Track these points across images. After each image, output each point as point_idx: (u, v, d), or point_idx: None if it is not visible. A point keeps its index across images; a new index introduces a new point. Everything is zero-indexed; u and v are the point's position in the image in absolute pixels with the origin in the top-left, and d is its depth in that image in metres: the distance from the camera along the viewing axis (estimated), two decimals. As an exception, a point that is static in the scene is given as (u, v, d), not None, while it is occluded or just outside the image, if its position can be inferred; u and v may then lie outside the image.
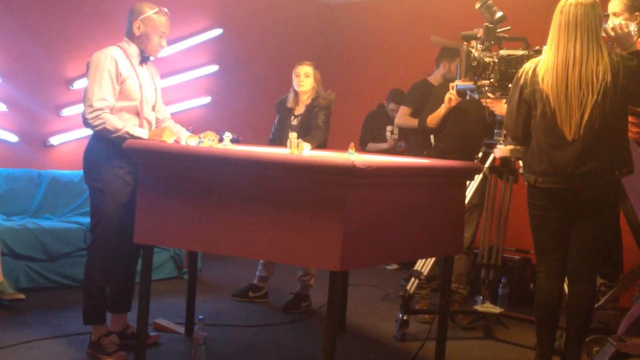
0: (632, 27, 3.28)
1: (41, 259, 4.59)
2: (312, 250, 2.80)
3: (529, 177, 3.20)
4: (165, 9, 3.50)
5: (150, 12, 3.44)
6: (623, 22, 3.23)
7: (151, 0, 3.56)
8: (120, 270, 3.55)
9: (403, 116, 5.06)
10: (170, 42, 5.90)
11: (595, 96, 2.97)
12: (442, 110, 4.34)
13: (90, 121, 3.30)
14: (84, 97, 3.34)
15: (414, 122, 4.88)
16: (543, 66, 3.08)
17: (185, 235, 3.11)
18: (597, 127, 2.99)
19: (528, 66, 3.17)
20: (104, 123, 3.28)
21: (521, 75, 3.17)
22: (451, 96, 4.20)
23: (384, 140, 6.07)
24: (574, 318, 3.17)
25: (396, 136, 6.04)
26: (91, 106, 3.29)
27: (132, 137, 3.29)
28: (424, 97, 4.75)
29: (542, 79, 3.05)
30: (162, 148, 3.20)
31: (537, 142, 3.14)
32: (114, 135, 3.29)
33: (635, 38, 3.59)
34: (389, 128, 6.13)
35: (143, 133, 3.35)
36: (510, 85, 3.60)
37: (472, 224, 4.31)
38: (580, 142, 3.01)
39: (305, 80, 4.48)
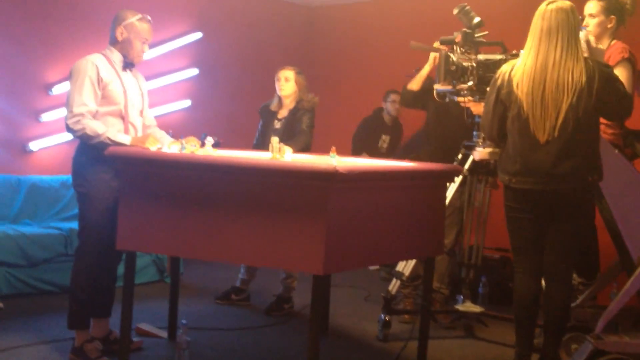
0: (593, 41, 3.38)
1: (21, 265, 4.56)
2: (295, 254, 2.83)
3: (503, 177, 3.25)
4: (149, 17, 3.53)
5: (133, 18, 3.47)
6: (592, 38, 3.31)
7: (131, 4, 3.58)
8: (103, 274, 3.55)
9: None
10: (150, 46, 5.82)
11: (570, 98, 3.02)
12: (425, 70, 4.36)
13: (70, 126, 3.32)
14: (66, 104, 3.37)
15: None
16: (520, 69, 3.12)
17: (168, 241, 3.12)
18: (570, 129, 3.03)
19: (506, 68, 3.21)
20: (84, 128, 3.30)
21: (498, 76, 3.21)
22: (437, 55, 4.20)
23: (377, 149, 5.93)
24: (552, 317, 3.22)
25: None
26: (72, 112, 3.31)
27: (114, 142, 3.30)
28: None
29: (518, 83, 3.09)
30: (143, 155, 3.20)
31: (512, 143, 3.19)
32: (95, 140, 3.30)
33: (608, 41, 3.68)
34: (383, 137, 6.04)
35: (125, 139, 3.35)
36: (488, 89, 3.66)
37: (454, 227, 4.36)
38: (554, 144, 3.05)
39: (285, 84, 4.51)
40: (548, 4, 3.10)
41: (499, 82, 3.19)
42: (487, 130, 3.34)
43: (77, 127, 3.30)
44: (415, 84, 4.46)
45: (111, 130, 3.34)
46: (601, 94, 3.05)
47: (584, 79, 3.03)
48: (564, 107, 3.02)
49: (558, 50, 3.05)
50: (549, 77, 3.04)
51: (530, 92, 3.06)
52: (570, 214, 3.17)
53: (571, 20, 3.07)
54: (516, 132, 3.14)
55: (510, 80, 3.13)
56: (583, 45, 3.20)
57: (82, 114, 3.30)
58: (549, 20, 3.07)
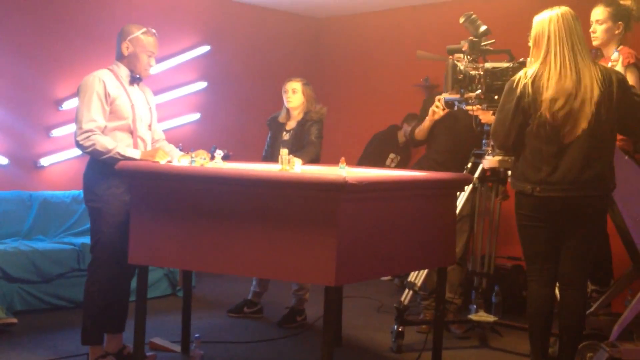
0: (615, 55, 3.44)
1: (35, 280, 4.57)
2: (306, 266, 2.83)
3: (523, 186, 3.17)
4: (153, 30, 3.55)
5: (138, 32, 3.50)
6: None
7: (139, 18, 3.61)
8: (116, 290, 3.57)
9: None
10: (159, 60, 5.91)
11: (599, 93, 3.03)
12: (426, 122, 4.41)
13: (81, 143, 3.34)
14: (75, 120, 3.39)
15: None
16: (546, 74, 3.06)
17: (179, 255, 3.13)
18: (594, 133, 3.04)
19: (524, 75, 3.12)
20: (94, 144, 3.32)
21: (516, 84, 3.13)
22: (435, 109, 4.27)
23: (384, 166, 5.92)
24: (567, 325, 3.20)
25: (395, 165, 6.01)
26: (81, 128, 3.34)
27: (124, 157, 3.32)
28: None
29: (547, 87, 3.04)
30: (154, 169, 3.22)
31: (536, 150, 3.12)
32: (105, 156, 3.32)
33: (615, 46, 3.68)
34: (392, 156, 6.02)
35: (135, 153, 3.38)
36: (496, 97, 3.65)
37: (464, 234, 4.35)
38: (580, 147, 3.04)
39: (292, 96, 4.52)
40: (560, 11, 3.10)
41: (518, 90, 3.11)
42: (501, 139, 3.26)
43: (87, 143, 3.32)
44: (421, 135, 4.49)
45: (121, 145, 3.36)
46: (619, 100, 3.08)
47: (605, 85, 3.06)
48: (590, 111, 3.02)
49: (578, 55, 3.07)
50: (577, 81, 3.03)
51: (567, 90, 3.02)
52: (588, 221, 3.16)
53: (580, 26, 3.11)
54: (542, 140, 3.09)
55: (536, 87, 3.06)
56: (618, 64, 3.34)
57: (91, 130, 3.33)
58: (565, 24, 3.07)
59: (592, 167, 3.07)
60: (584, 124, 3.03)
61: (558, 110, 3.03)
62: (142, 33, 3.51)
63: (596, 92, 3.03)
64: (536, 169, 3.13)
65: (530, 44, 3.18)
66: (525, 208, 3.21)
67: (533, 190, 3.13)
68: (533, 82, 3.09)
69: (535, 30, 3.13)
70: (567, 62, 3.05)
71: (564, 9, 3.11)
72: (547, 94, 3.05)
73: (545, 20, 3.11)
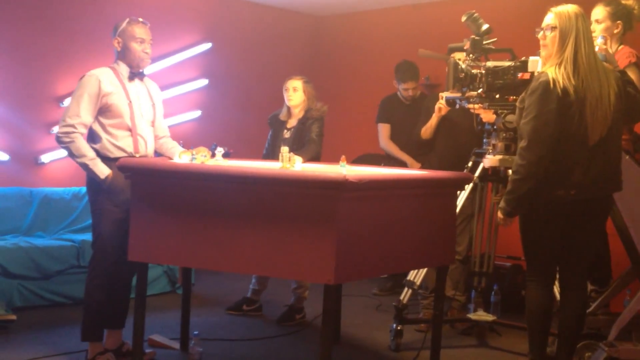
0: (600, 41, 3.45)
1: (34, 277, 4.57)
2: (306, 264, 2.83)
3: (555, 191, 3.05)
4: (141, 19, 3.55)
5: (123, 24, 3.50)
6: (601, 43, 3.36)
7: (140, 16, 3.61)
8: (117, 286, 3.57)
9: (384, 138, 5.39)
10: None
11: (614, 98, 3.04)
12: (433, 120, 4.43)
13: (60, 136, 3.36)
14: (63, 113, 3.41)
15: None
16: (581, 73, 3.00)
17: (179, 252, 3.13)
18: (612, 132, 3.05)
19: (556, 75, 2.99)
20: (72, 142, 3.34)
21: (552, 85, 2.96)
22: (441, 105, 4.29)
23: None
24: (567, 325, 3.19)
25: None
26: (65, 121, 3.36)
27: (89, 171, 3.35)
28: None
29: (585, 87, 2.99)
30: (155, 165, 3.23)
31: (565, 154, 3.03)
32: (75, 159, 3.35)
33: (615, 46, 3.69)
34: None
35: (102, 173, 3.34)
36: (497, 96, 3.65)
37: (467, 234, 4.36)
38: (606, 150, 3.05)
39: (293, 94, 4.52)
40: (577, 8, 3.07)
41: (559, 91, 2.95)
42: (540, 147, 2.98)
43: (66, 139, 3.35)
44: (427, 134, 4.54)
45: (96, 162, 3.34)
46: (631, 96, 3.13)
47: (614, 79, 3.09)
48: (613, 99, 3.03)
49: (595, 53, 3.08)
50: (603, 80, 3.04)
51: (597, 90, 3.00)
52: (598, 220, 3.19)
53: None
54: (575, 142, 3.02)
55: (575, 87, 2.98)
56: (602, 48, 3.32)
57: (73, 126, 3.33)
58: (588, 23, 3.09)
59: (615, 166, 3.11)
60: (608, 124, 3.02)
61: (596, 109, 3.00)
62: (127, 23, 3.50)
63: (613, 91, 3.04)
64: (567, 172, 3.03)
65: (547, 35, 3.05)
66: (543, 211, 3.11)
67: (567, 194, 3.04)
68: (570, 80, 2.98)
69: (562, 24, 3.02)
70: (594, 61, 3.04)
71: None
72: (586, 93, 2.99)
73: (572, 16, 3.03)
